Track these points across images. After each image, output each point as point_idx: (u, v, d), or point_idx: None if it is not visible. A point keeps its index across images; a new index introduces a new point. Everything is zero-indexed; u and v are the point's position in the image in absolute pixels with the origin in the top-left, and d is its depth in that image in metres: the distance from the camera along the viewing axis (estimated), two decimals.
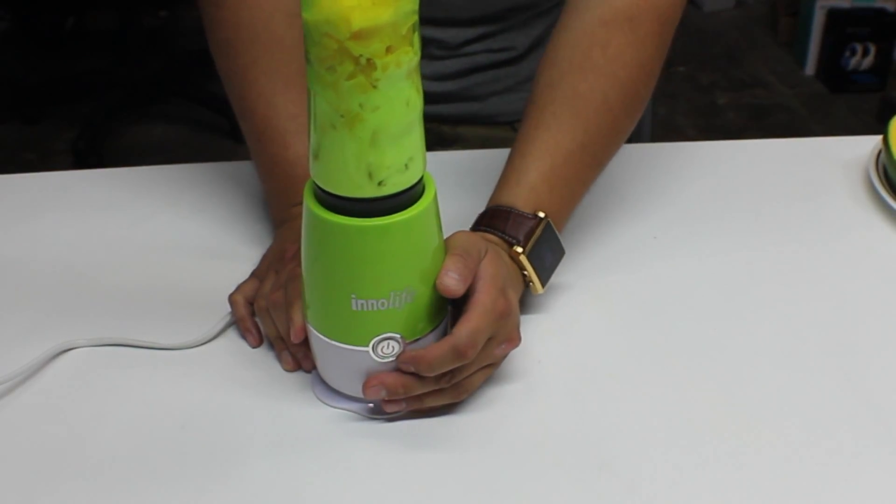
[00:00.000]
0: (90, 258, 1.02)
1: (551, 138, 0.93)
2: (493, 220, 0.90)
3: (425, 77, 1.21)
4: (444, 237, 0.81)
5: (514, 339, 0.83)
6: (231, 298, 0.93)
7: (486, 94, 1.26)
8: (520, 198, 0.91)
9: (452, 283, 0.77)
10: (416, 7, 0.69)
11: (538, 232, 0.90)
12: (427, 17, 1.15)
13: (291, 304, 0.85)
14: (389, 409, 0.81)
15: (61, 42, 3.61)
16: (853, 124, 3.21)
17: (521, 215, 0.90)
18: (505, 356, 0.84)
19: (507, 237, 0.89)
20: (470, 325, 0.78)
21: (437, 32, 1.20)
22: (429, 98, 1.21)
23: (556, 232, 0.93)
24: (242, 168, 1.15)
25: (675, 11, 0.99)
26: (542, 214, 0.91)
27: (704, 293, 0.97)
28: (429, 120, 1.24)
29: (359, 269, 0.76)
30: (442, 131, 1.28)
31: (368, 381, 0.80)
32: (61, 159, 3.01)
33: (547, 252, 0.91)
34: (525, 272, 0.90)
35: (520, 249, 0.89)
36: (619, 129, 0.98)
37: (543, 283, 0.92)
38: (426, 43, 1.16)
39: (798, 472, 0.79)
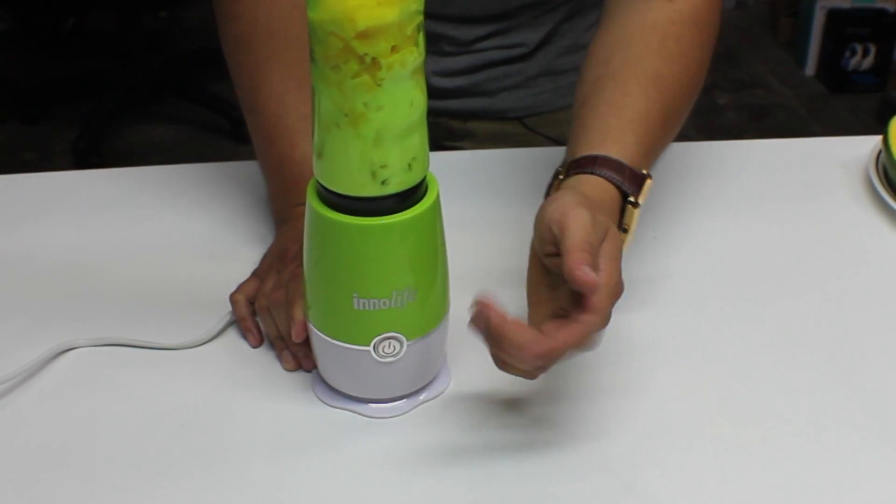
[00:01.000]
0: (90, 258, 1.02)
1: (642, 108, 0.91)
2: (607, 168, 0.86)
3: (436, 73, 1.22)
4: (538, 214, 0.80)
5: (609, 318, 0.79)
6: (232, 298, 0.93)
7: (496, 90, 1.27)
8: (627, 153, 0.88)
9: (592, 276, 0.72)
10: (422, 7, 0.69)
11: (645, 189, 0.88)
12: (440, 14, 1.15)
13: (293, 302, 0.85)
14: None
15: (61, 42, 3.61)
16: (853, 125, 3.21)
17: (633, 170, 0.87)
18: None
19: (624, 188, 0.86)
20: (602, 306, 0.74)
21: (448, 29, 1.20)
22: (439, 94, 1.22)
23: None
24: (243, 168, 1.15)
25: (719, 19, 1.01)
26: (645, 172, 0.89)
27: (704, 293, 0.97)
28: (438, 115, 1.24)
29: (361, 268, 0.76)
30: (451, 126, 1.28)
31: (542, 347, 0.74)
32: (61, 159, 3.01)
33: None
34: (628, 228, 0.88)
35: (634, 201, 0.87)
36: (683, 117, 0.98)
37: None
38: (437, 39, 1.17)
39: (798, 471, 0.79)
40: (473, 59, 1.23)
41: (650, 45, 0.95)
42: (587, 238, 0.74)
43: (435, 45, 1.20)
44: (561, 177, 0.89)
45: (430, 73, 1.20)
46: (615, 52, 0.96)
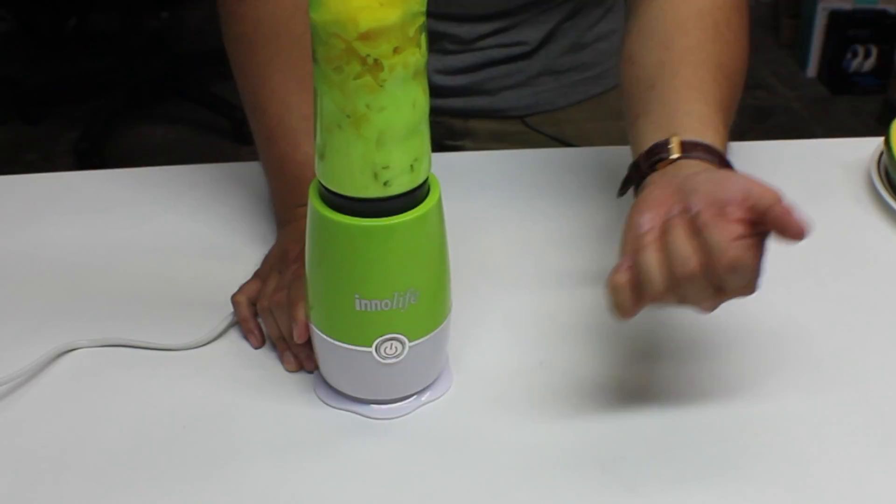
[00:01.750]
0: (92, 259, 1.02)
1: (718, 96, 0.92)
2: (711, 155, 0.85)
3: (438, 71, 1.22)
4: (635, 208, 0.79)
5: None
6: (233, 299, 0.93)
7: (497, 89, 1.27)
8: (720, 144, 0.87)
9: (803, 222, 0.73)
10: (424, 9, 0.69)
11: None
12: (442, 13, 1.15)
13: (295, 303, 0.85)
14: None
15: (63, 43, 3.61)
16: (855, 126, 3.21)
17: (730, 164, 0.87)
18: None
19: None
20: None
21: (450, 27, 1.21)
22: (440, 92, 1.23)
23: None
24: (245, 169, 1.15)
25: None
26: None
27: None
28: (440, 113, 1.25)
29: (363, 269, 0.76)
30: (452, 125, 1.28)
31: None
32: (63, 160, 3.01)
33: None
34: None
35: None
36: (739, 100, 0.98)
37: None
38: (439, 38, 1.17)
39: (798, 473, 0.79)
40: (475, 57, 1.24)
41: (707, 32, 0.95)
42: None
43: (437, 43, 1.20)
44: (675, 155, 0.85)
45: (431, 72, 1.19)
46: (673, 36, 0.95)
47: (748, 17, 1.00)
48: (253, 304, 0.92)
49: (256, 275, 0.95)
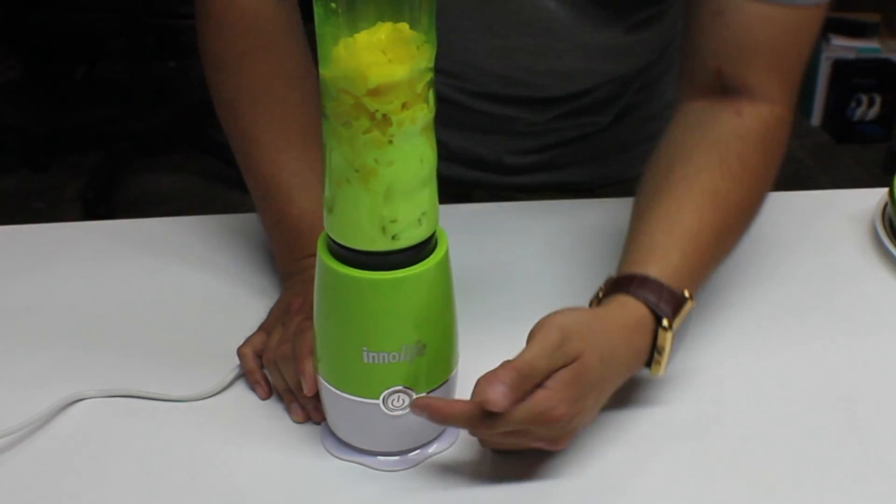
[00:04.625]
0: (99, 309, 1.03)
1: (695, 225, 0.90)
2: (643, 290, 0.85)
3: (509, 152, 1.20)
4: (547, 318, 0.81)
5: (557, 444, 0.80)
6: (239, 351, 0.93)
7: (569, 164, 1.26)
8: (667, 274, 0.87)
9: (498, 396, 0.73)
10: (432, 65, 0.70)
11: (683, 312, 0.86)
12: (510, 96, 1.13)
13: (300, 356, 0.85)
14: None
15: (71, 91, 3.63)
16: (859, 175, 3.21)
17: (672, 292, 0.86)
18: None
19: (658, 310, 0.84)
20: (504, 412, 0.74)
21: (521, 112, 1.18)
22: (512, 170, 1.21)
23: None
24: (251, 220, 1.15)
25: (787, 138, 1.00)
26: (688, 294, 0.87)
27: (709, 344, 0.97)
28: (511, 190, 1.21)
29: (371, 321, 0.76)
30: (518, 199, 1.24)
31: (417, 401, 0.77)
32: (70, 208, 3.02)
33: (679, 334, 0.88)
34: (661, 351, 0.85)
35: (666, 325, 0.84)
36: (741, 234, 0.96)
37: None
38: (511, 121, 1.16)
39: None
40: (549, 137, 1.22)
41: (711, 161, 0.93)
42: (533, 361, 0.76)
43: (509, 125, 1.18)
44: (601, 295, 0.88)
45: (503, 153, 1.20)
46: (675, 165, 0.94)
47: (777, 152, 0.99)
48: (259, 356, 0.92)
49: (261, 327, 0.95)
